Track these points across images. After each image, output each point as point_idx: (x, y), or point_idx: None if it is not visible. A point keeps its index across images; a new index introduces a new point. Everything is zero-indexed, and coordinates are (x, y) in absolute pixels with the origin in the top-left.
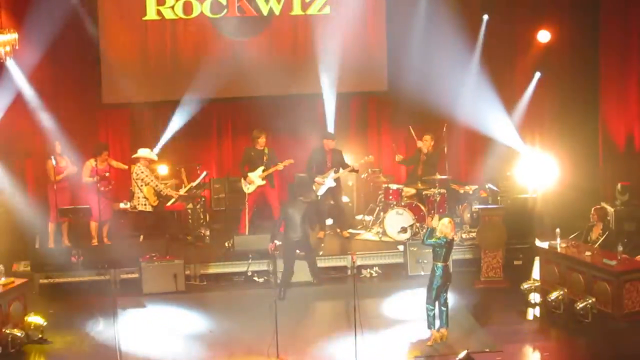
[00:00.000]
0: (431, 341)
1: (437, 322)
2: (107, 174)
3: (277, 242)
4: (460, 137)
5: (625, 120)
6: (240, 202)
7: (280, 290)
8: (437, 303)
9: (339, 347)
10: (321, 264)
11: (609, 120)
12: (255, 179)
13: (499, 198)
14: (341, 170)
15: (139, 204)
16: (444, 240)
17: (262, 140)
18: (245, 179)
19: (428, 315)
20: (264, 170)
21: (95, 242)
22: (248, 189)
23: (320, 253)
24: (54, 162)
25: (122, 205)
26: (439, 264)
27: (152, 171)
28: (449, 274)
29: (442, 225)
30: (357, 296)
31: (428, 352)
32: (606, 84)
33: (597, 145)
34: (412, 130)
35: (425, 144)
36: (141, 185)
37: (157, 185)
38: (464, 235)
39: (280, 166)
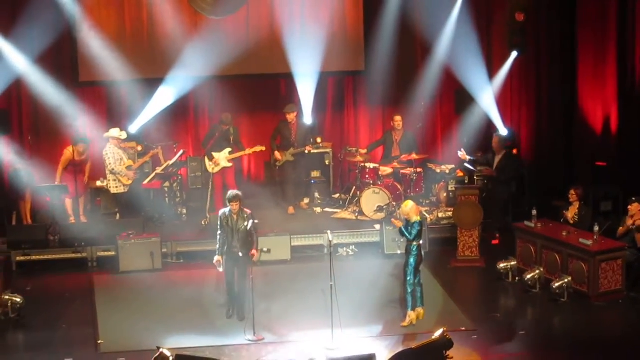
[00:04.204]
0: (407, 322)
1: (414, 302)
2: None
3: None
4: (436, 116)
5: (602, 101)
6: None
7: (229, 309)
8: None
9: (316, 326)
10: (298, 242)
11: (585, 100)
12: (222, 160)
13: (475, 177)
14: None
15: (110, 186)
16: (419, 222)
17: (227, 119)
18: (210, 159)
19: (407, 296)
20: (230, 153)
21: (72, 219)
22: (213, 169)
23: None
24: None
25: (98, 183)
26: (414, 244)
27: (131, 149)
28: (422, 253)
29: (409, 210)
30: (334, 275)
31: (404, 331)
32: (583, 64)
33: (574, 125)
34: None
35: (396, 124)
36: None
37: (113, 169)
38: (440, 215)
39: (248, 151)
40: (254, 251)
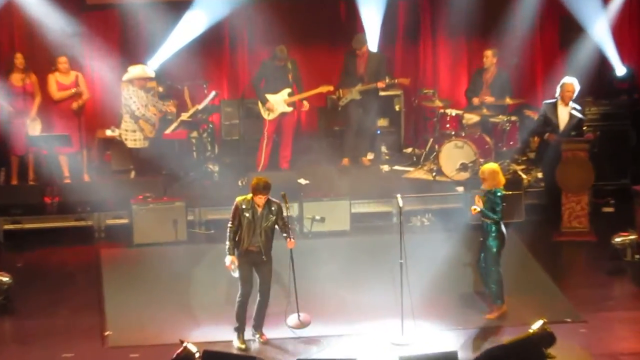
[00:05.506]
0: (494, 315)
1: (501, 291)
2: (74, 90)
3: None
4: (536, 51)
5: None
6: (257, 130)
7: (239, 334)
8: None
9: (381, 316)
10: (359, 208)
11: None
12: (279, 104)
13: (585, 128)
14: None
15: (127, 139)
16: (501, 193)
17: (282, 53)
18: (264, 104)
19: (492, 285)
20: (290, 94)
21: (67, 180)
22: (268, 115)
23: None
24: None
25: (108, 133)
26: (491, 222)
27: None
28: (504, 232)
29: (494, 174)
30: (405, 250)
31: (491, 323)
32: None
33: None
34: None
35: (487, 60)
36: (129, 116)
37: (143, 114)
38: (539, 175)
39: (313, 92)
40: (291, 239)
